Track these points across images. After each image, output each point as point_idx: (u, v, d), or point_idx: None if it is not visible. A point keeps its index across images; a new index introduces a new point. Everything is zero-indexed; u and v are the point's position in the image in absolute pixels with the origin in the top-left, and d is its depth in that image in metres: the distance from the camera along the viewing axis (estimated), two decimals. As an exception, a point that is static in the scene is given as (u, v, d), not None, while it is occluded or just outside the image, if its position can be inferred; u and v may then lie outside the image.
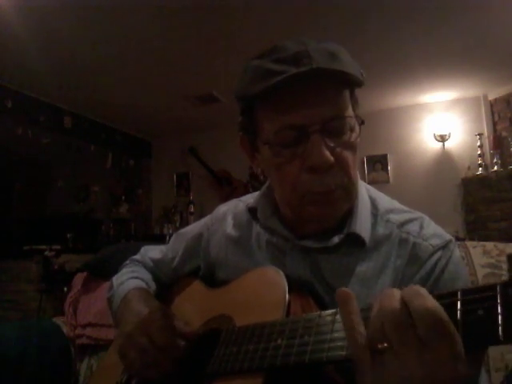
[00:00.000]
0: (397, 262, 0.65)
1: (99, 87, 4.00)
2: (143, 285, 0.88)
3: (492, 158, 4.35)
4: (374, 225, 0.69)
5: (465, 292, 0.40)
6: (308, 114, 0.60)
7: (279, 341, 0.53)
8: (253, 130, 0.68)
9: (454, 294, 0.40)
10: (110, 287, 0.90)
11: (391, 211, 0.71)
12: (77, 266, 1.54)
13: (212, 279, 0.84)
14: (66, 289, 1.94)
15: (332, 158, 0.61)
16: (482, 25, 3.14)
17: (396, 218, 0.69)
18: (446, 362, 0.38)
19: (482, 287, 0.39)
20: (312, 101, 0.60)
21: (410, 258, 0.65)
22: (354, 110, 0.65)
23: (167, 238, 3.79)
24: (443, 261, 0.64)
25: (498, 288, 0.37)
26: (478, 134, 4.42)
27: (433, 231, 0.67)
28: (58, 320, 1.36)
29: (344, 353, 0.45)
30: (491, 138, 4.40)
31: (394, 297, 0.41)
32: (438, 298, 0.40)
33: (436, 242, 0.65)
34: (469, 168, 4.46)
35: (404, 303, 0.40)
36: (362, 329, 0.42)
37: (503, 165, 4.26)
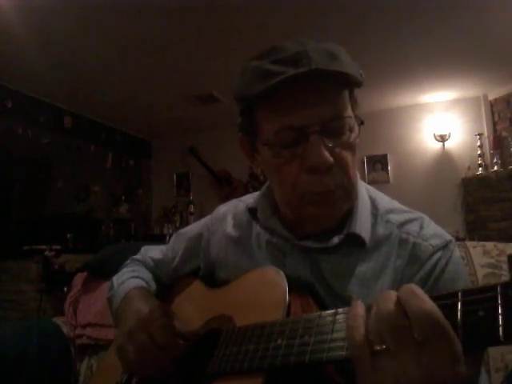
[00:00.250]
0: (397, 262, 0.65)
1: (99, 87, 4.00)
2: (144, 284, 0.88)
3: (492, 158, 4.35)
4: (374, 225, 0.69)
5: (465, 293, 0.40)
6: (307, 114, 0.60)
7: (279, 341, 0.53)
8: (252, 131, 0.68)
9: (455, 294, 0.40)
10: (111, 287, 0.90)
11: (391, 211, 0.71)
12: (77, 266, 1.54)
13: (212, 279, 0.84)
14: (65, 289, 1.93)
15: (331, 159, 0.61)
16: (482, 25, 3.14)
17: (396, 218, 0.69)
18: (444, 363, 0.37)
19: (482, 288, 0.39)
20: (311, 101, 0.60)
21: (409, 258, 0.65)
22: (353, 110, 0.65)
23: (167, 237, 3.79)
24: (443, 261, 0.64)
25: (498, 289, 0.37)
26: (478, 134, 4.42)
27: (433, 231, 0.67)
28: (58, 320, 1.36)
29: (344, 353, 0.45)
30: (491, 137, 4.40)
31: (390, 298, 0.41)
32: (439, 298, 0.40)
33: (436, 242, 0.65)
34: (469, 168, 4.47)
35: (400, 304, 0.40)
36: (362, 330, 0.42)
37: (503, 165, 4.26)
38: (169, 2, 2.73)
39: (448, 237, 0.67)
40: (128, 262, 0.97)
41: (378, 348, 0.41)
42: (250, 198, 0.84)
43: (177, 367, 0.67)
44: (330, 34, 3.13)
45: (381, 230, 0.68)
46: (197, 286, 0.85)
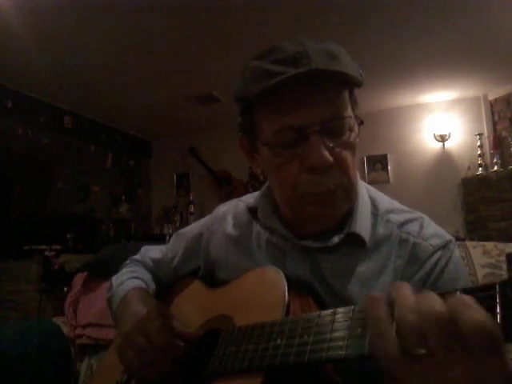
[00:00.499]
0: (397, 262, 0.65)
1: (99, 87, 4.00)
2: (142, 285, 0.88)
3: (492, 158, 4.35)
4: (374, 225, 0.69)
5: (464, 291, 0.39)
6: (307, 114, 0.60)
7: (279, 341, 0.53)
8: (252, 131, 0.68)
9: (454, 293, 0.40)
10: (110, 287, 0.90)
11: (391, 211, 0.71)
12: (77, 266, 1.54)
13: (212, 279, 0.84)
14: (65, 289, 1.94)
15: (331, 159, 0.61)
16: (482, 25, 3.14)
17: (396, 218, 0.69)
18: (493, 379, 0.36)
19: (480, 287, 0.39)
20: (311, 101, 0.60)
21: (409, 257, 0.65)
22: (353, 110, 0.65)
23: (167, 237, 3.79)
24: (443, 261, 0.64)
25: (497, 287, 0.37)
26: (478, 134, 4.43)
27: (433, 231, 0.67)
28: (58, 320, 1.36)
29: (343, 352, 0.45)
30: (491, 138, 4.41)
31: (435, 301, 0.38)
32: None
33: (436, 241, 0.65)
34: (469, 168, 4.47)
35: (451, 310, 0.37)
36: (393, 335, 0.39)
37: (503, 165, 4.26)
38: (169, 1, 2.73)
39: (448, 237, 0.67)
40: (127, 262, 0.97)
41: (418, 352, 0.38)
42: (250, 198, 0.84)
43: (176, 367, 0.67)
44: (330, 34, 3.13)
45: (381, 230, 0.68)
46: (196, 286, 0.85)
